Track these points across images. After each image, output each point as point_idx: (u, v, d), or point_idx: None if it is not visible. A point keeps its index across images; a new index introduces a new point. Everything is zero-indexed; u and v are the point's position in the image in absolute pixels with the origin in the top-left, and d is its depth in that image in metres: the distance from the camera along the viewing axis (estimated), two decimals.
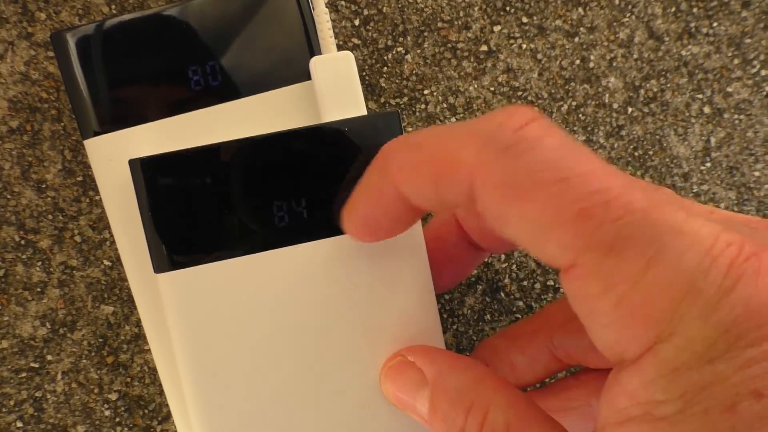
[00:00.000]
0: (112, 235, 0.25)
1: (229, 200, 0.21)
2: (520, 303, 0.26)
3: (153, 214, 0.20)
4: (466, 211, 0.22)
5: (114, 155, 0.22)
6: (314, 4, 0.22)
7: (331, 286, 0.21)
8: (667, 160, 0.27)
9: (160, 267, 0.21)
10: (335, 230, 0.21)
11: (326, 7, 0.25)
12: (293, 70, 0.22)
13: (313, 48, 0.22)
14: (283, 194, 0.21)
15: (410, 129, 0.26)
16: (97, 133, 0.22)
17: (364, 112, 0.21)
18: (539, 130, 0.15)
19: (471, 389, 0.19)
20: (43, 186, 0.24)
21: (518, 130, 0.15)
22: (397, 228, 0.19)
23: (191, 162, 0.21)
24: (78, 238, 0.25)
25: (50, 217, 0.25)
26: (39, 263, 0.25)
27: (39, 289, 0.25)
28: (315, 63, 0.21)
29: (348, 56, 0.21)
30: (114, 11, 0.24)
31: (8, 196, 0.24)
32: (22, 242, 0.24)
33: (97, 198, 0.25)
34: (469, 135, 0.16)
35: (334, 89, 0.21)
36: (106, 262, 0.25)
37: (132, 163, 0.20)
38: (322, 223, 0.21)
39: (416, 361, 0.21)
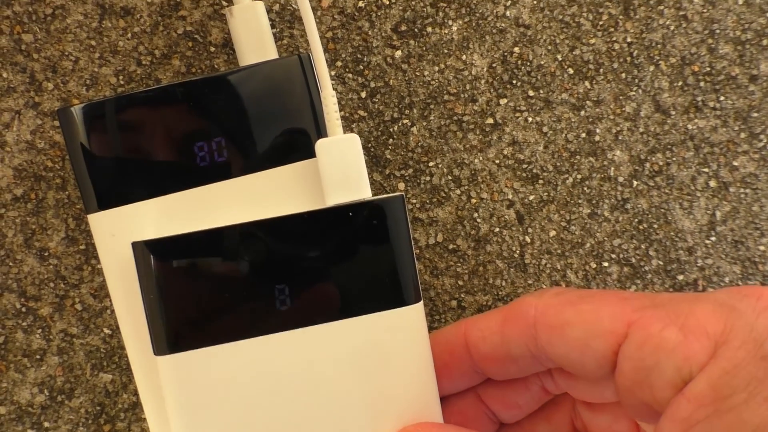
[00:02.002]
0: (112, 303, 0.25)
1: (231, 283, 0.21)
2: None
3: (154, 296, 0.20)
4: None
5: (117, 231, 0.22)
6: (321, 86, 0.22)
7: (332, 369, 0.21)
8: (672, 233, 0.27)
9: (160, 350, 0.21)
10: (337, 314, 0.21)
11: (333, 79, 0.25)
12: (300, 148, 0.22)
13: (320, 126, 0.22)
14: (285, 277, 0.21)
15: (414, 201, 0.26)
16: (100, 208, 0.22)
17: (368, 194, 0.21)
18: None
19: None
20: (46, 254, 0.24)
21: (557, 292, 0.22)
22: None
23: (193, 245, 0.21)
24: (79, 306, 0.25)
25: (52, 284, 0.24)
26: (39, 330, 0.24)
27: (38, 356, 0.25)
28: (320, 146, 0.21)
29: (353, 139, 0.21)
30: (121, 81, 0.24)
31: (10, 264, 0.24)
32: (23, 309, 0.24)
33: (98, 267, 0.25)
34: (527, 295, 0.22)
35: (338, 172, 0.21)
36: (106, 330, 0.25)
37: (135, 245, 0.20)
38: (323, 307, 0.21)
39: None
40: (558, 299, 0.21)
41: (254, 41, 0.23)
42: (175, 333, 0.20)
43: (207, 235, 0.20)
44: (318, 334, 0.21)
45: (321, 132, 0.22)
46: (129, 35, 0.24)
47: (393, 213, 0.21)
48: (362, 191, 0.21)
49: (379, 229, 0.21)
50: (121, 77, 0.24)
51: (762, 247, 0.28)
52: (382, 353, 0.21)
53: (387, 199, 0.21)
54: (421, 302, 0.22)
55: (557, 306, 0.21)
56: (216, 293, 0.21)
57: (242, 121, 0.22)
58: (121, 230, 0.22)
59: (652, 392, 0.18)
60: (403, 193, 0.24)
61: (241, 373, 0.21)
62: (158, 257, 0.20)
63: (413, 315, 0.21)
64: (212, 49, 0.25)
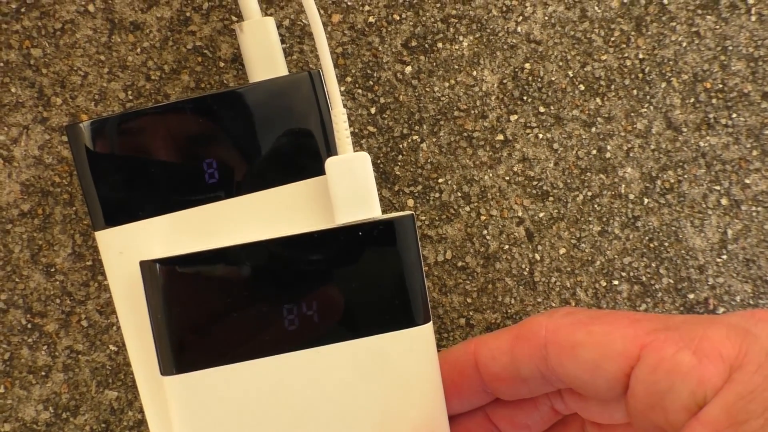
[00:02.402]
0: (119, 320, 0.24)
1: (239, 303, 0.20)
2: None
3: (162, 316, 0.20)
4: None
5: (125, 248, 0.22)
6: (332, 103, 0.21)
7: (340, 390, 0.21)
8: (683, 251, 0.27)
9: (167, 370, 0.20)
10: (345, 335, 0.21)
11: (343, 95, 0.25)
12: (309, 165, 0.22)
13: (329, 143, 0.22)
14: (293, 298, 0.21)
15: (423, 218, 0.26)
16: (108, 225, 0.22)
17: (378, 213, 0.21)
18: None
19: None
20: (52, 270, 0.24)
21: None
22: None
23: (201, 264, 0.20)
24: (85, 323, 0.24)
25: (58, 301, 0.24)
26: (44, 347, 0.24)
27: (43, 373, 0.24)
28: (330, 164, 0.21)
29: (364, 157, 0.21)
30: (130, 97, 0.24)
31: (17, 280, 0.24)
32: (29, 326, 0.24)
33: (105, 283, 0.24)
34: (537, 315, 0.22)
35: (348, 191, 0.21)
36: (112, 347, 0.25)
37: (143, 264, 0.20)
38: (332, 327, 0.21)
39: None
40: (569, 319, 0.21)
41: (264, 57, 0.23)
42: (183, 353, 0.20)
43: (215, 255, 0.20)
44: (326, 355, 0.21)
45: (330, 149, 0.22)
46: (138, 50, 0.24)
47: (403, 232, 0.21)
48: (372, 210, 0.21)
49: (389, 248, 0.21)
50: (130, 92, 0.24)
51: None
52: (391, 373, 0.21)
53: (397, 218, 0.21)
54: (431, 322, 0.21)
55: (568, 327, 0.20)
56: (224, 313, 0.20)
57: (251, 137, 0.22)
58: (129, 248, 0.22)
59: (665, 416, 0.18)
60: (414, 212, 0.24)
61: (248, 394, 0.20)
62: (166, 277, 0.20)
63: (423, 335, 0.21)
64: (221, 64, 0.25)
